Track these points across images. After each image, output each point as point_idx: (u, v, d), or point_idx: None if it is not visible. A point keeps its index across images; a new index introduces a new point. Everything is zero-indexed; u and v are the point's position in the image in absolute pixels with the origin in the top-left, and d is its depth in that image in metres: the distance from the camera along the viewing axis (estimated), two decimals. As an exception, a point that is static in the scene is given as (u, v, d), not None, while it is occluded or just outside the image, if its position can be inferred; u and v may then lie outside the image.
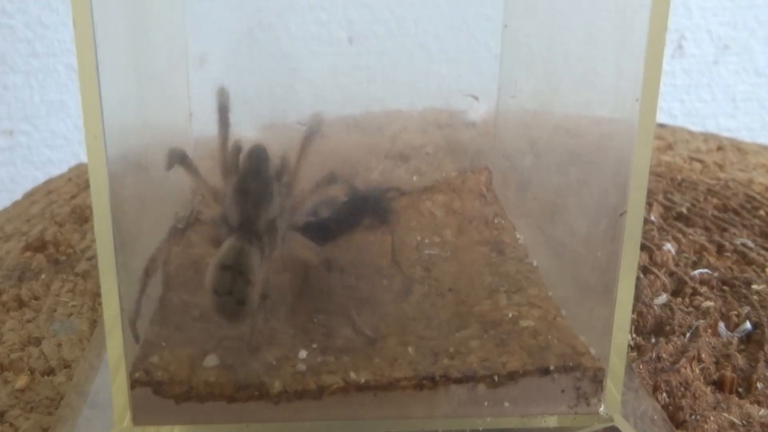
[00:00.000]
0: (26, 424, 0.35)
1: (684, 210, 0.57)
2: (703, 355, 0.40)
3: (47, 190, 0.64)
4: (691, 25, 0.91)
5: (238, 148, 0.35)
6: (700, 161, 0.68)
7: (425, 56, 0.48)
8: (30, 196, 0.64)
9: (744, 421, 0.36)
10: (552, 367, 0.33)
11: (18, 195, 0.65)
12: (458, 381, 0.32)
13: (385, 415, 0.32)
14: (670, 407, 0.37)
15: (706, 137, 0.75)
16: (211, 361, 0.33)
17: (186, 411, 0.32)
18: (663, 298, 0.45)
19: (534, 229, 0.43)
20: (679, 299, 0.45)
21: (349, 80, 0.47)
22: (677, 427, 0.36)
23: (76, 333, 0.43)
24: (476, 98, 0.45)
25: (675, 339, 0.41)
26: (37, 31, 0.86)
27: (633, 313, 0.43)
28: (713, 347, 0.41)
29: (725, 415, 0.36)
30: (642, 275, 0.47)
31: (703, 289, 0.46)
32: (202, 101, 0.45)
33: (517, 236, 0.43)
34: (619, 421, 0.33)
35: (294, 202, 0.35)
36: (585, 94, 0.36)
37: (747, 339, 0.42)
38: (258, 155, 0.35)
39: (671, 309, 0.44)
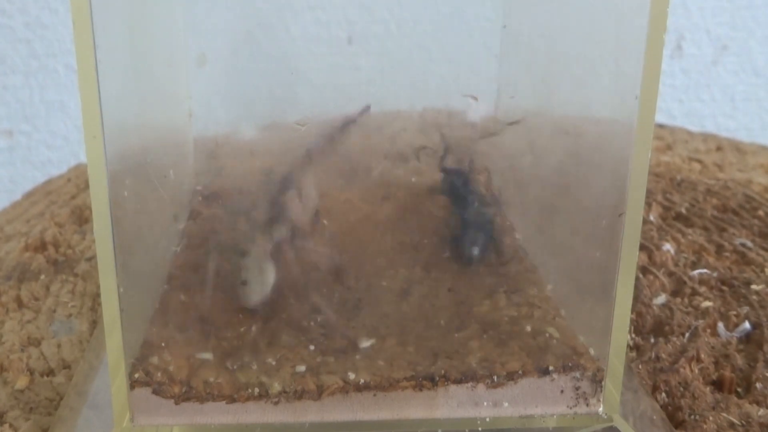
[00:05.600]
0: (26, 425, 0.35)
1: (683, 210, 0.57)
2: (702, 355, 0.40)
3: (47, 190, 0.64)
4: (690, 26, 0.91)
5: None
6: (699, 161, 0.68)
7: (425, 56, 0.48)
8: (30, 196, 0.64)
9: (743, 421, 0.36)
10: (551, 368, 0.33)
11: (18, 195, 0.65)
12: (458, 381, 0.32)
13: (384, 416, 0.32)
14: (669, 407, 0.37)
15: (705, 137, 0.75)
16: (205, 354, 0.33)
17: (185, 411, 0.32)
18: (662, 298, 0.45)
19: (533, 229, 0.43)
20: (678, 299, 0.45)
21: (348, 80, 0.47)
22: (676, 427, 0.36)
23: (75, 334, 0.43)
24: (475, 98, 0.45)
25: (674, 339, 0.41)
26: (37, 32, 0.86)
27: (632, 313, 0.43)
28: (712, 347, 0.41)
29: (724, 415, 0.36)
30: (641, 275, 0.47)
31: (702, 289, 0.46)
32: (202, 101, 0.45)
33: (517, 236, 0.43)
34: (618, 421, 0.33)
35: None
36: (584, 94, 0.36)
37: (746, 339, 0.42)
38: None
39: (670, 309, 0.44)
